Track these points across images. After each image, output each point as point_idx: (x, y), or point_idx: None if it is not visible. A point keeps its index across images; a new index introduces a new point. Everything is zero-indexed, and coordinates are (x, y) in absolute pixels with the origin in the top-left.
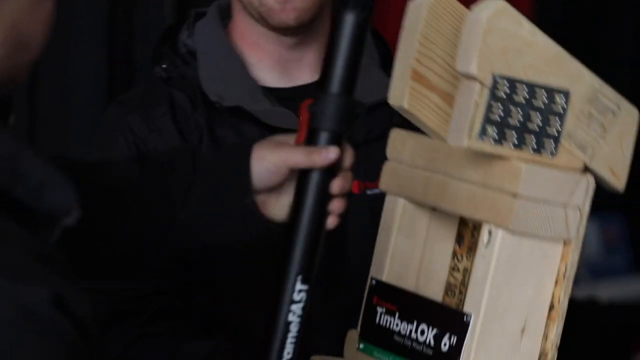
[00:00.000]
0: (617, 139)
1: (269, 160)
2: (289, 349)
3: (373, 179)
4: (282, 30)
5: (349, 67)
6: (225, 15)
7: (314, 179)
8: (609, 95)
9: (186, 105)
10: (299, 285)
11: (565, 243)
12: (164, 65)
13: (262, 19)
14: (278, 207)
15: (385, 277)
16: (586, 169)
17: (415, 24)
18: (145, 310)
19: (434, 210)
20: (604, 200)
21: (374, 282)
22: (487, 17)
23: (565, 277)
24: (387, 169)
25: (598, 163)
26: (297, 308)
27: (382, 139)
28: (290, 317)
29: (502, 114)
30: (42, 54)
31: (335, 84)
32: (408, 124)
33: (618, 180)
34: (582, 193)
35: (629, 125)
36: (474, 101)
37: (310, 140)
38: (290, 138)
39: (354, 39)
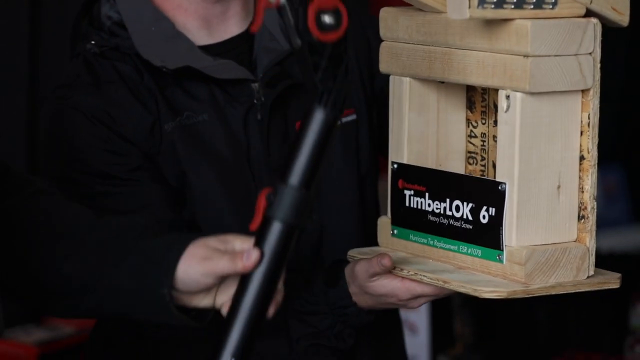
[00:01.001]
0: None
1: (196, 271)
2: None
3: None
4: None
5: (312, 163)
6: None
7: (255, 276)
8: None
9: (133, 74)
10: None
11: (583, 92)
12: (92, 42)
13: None
14: (209, 299)
15: (406, 159)
16: (588, 13)
17: None
18: None
19: (441, 83)
20: (603, 151)
21: (395, 166)
22: None
23: (590, 126)
24: (385, 50)
25: (599, 3)
26: None
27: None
28: None
29: None
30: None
31: (295, 177)
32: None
33: (621, 15)
34: (591, 38)
35: None
36: None
37: (263, 227)
38: (220, 241)
39: (321, 137)
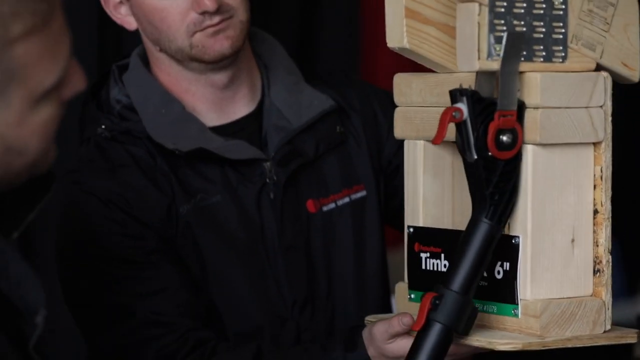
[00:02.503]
0: (623, 31)
1: None
2: None
3: (326, 194)
4: (218, 63)
5: (473, 271)
6: (147, 63)
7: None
8: None
9: (146, 158)
10: None
11: (595, 145)
12: (103, 126)
13: (196, 60)
14: None
15: (422, 222)
16: (599, 68)
17: None
18: (185, 346)
19: (455, 144)
20: None
21: (411, 230)
22: None
23: (603, 179)
24: (399, 116)
25: (609, 58)
26: None
27: (330, 151)
28: None
29: (505, 30)
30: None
31: (457, 284)
32: (347, 129)
33: (632, 71)
34: (601, 91)
35: (631, 15)
36: (475, 22)
37: (426, 328)
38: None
39: (483, 248)
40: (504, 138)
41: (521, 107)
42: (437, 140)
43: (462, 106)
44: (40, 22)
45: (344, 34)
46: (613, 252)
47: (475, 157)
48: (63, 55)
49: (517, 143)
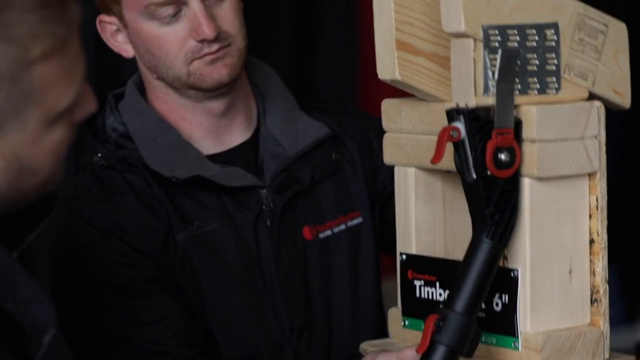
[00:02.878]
0: (613, 58)
1: None
2: None
3: (322, 221)
4: (215, 91)
5: (476, 292)
6: (143, 92)
7: None
8: (595, 16)
9: (143, 186)
10: None
11: (590, 175)
12: (99, 154)
13: (194, 88)
14: None
15: (414, 249)
16: (591, 96)
17: None
18: None
19: (447, 172)
20: None
21: (403, 257)
22: None
23: (598, 209)
24: (388, 142)
25: (601, 87)
26: None
27: (326, 178)
28: None
29: None
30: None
31: (460, 305)
32: (343, 156)
33: (623, 98)
34: (595, 121)
35: (620, 41)
36: (471, 58)
37: (430, 351)
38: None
39: (486, 268)
40: (502, 156)
41: (518, 124)
42: (436, 160)
43: (460, 125)
44: (59, 45)
45: (340, 60)
46: (612, 279)
47: (475, 176)
48: (78, 78)
49: (515, 161)
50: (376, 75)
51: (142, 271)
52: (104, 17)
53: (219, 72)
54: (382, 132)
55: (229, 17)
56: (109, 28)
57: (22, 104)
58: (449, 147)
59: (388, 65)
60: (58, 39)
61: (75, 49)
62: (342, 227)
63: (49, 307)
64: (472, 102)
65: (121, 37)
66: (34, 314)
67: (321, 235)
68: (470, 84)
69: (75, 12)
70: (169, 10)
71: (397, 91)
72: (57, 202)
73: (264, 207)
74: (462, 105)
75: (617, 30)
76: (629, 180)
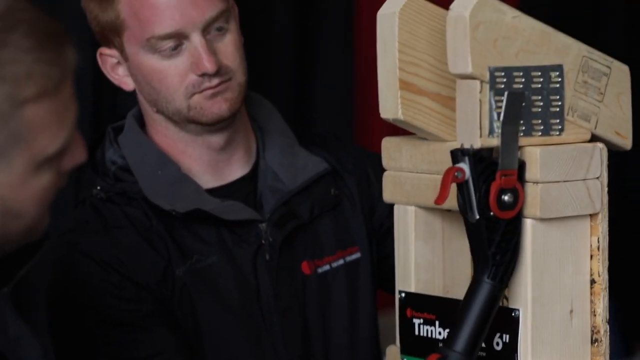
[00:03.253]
0: (616, 100)
1: None
2: None
3: (321, 256)
4: (215, 125)
5: (476, 332)
6: (143, 125)
7: None
8: (598, 58)
9: (142, 219)
10: None
11: (592, 216)
12: (98, 187)
13: (194, 122)
14: None
15: (413, 288)
16: (593, 137)
17: (391, 33)
18: None
19: (447, 211)
20: None
21: (402, 295)
22: (470, 12)
23: (600, 250)
24: (388, 179)
25: (603, 128)
26: None
27: (325, 213)
28: None
29: None
30: None
31: (460, 345)
32: (342, 191)
33: (625, 140)
34: (597, 163)
35: (623, 84)
36: (477, 100)
37: None
38: None
39: (486, 308)
40: (506, 198)
41: (522, 166)
42: (440, 201)
43: (464, 166)
44: (52, 88)
45: (338, 95)
46: (610, 315)
47: (478, 217)
48: (69, 123)
49: (518, 202)
50: (373, 111)
51: (140, 305)
52: (105, 50)
53: (219, 107)
54: (380, 167)
55: (229, 51)
56: (109, 61)
57: (9, 144)
58: (451, 187)
59: (391, 104)
60: (51, 82)
61: (68, 94)
62: (341, 262)
63: (38, 349)
64: (477, 144)
65: (121, 70)
66: (25, 355)
67: (320, 270)
68: (475, 125)
69: (71, 56)
70: (170, 44)
71: (394, 127)
72: (49, 238)
73: (263, 241)
74: (467, 146)
75: (620, 73)
76: (626, 218)
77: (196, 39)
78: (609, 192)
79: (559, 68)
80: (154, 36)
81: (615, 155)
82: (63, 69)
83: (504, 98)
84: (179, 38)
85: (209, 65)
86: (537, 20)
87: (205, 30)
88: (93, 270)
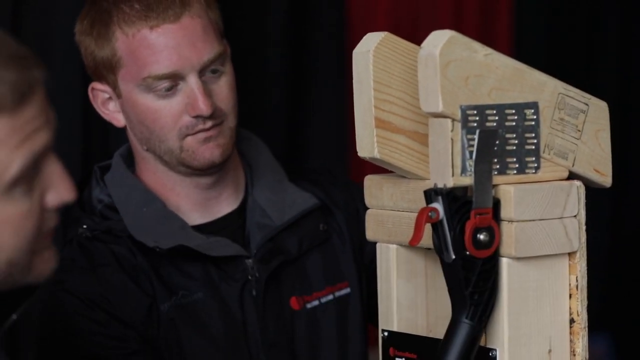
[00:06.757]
0: (594, 137)
1: None
2: None
3: (309, 291)
4: (206, 169)
5: None
6: (130, 163)
7: None
8: (575, 95)
9: (128, 256)
10: None
11: (570, 255)
12: (84, 226)
13: (184, 165)
14: None
15: (396, 327)
16: (571, 175)
17: (365, 71)
18: None
19: (428, 249)
20: (589, 319)
21: (385, 334)
22: (440, 50)
23: (578, 289)
24: (370, 218)
25: (581, 166)
26: None
27: (314, 249)
28: None
29: None
30: None
31: None
32: (331, 227)
33: (604, 177)
34: (575, 201)
35: (601, 120)
36: (449, 138)
37: None
38: None
39: (465, 349)
40: (481, 236)
41: (497, 204)
42: (414, 242)
43: (438, 206)
44: (9, 104)
45: (332, 131)
46: (604, 344)
47: (453, 257)
48: (34, 145)
49: (494, 241)
50: None
51: (125, 343)
52: (97, 85)
53: (212, 152)
54: None
55: (224, 94)
56: (100, 96)
57: None
58: (430, 225)
59: (367, 143)
60: (7, 98)
61: (31, 116)
62: (330, 297)
63: None
64: (450, 183)
65: (112, 106)
66: None
67: (308, 306)
68: (447, 164)
69: (37, 76)
70: (165, 84)
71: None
72: (41, 282)
73: (249, 277)
74: (440, 185)
75: (598, 109)
76: (619, 245)
77: (192, 80)
78: (602, 226)
79: (534, 105)
80: (150, 76)
81: (613, 188)
82: (25, 87)
83: (476, 136)
84: (175, 79)
85: (204, 108)
86: (511, 58)
87: (201, 72)
88: (79, 309)
